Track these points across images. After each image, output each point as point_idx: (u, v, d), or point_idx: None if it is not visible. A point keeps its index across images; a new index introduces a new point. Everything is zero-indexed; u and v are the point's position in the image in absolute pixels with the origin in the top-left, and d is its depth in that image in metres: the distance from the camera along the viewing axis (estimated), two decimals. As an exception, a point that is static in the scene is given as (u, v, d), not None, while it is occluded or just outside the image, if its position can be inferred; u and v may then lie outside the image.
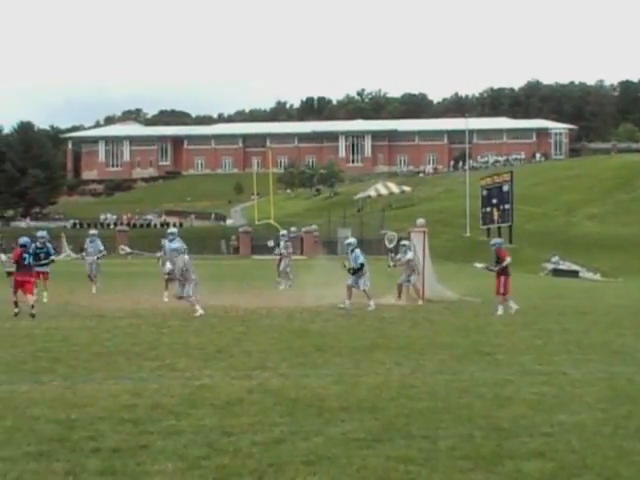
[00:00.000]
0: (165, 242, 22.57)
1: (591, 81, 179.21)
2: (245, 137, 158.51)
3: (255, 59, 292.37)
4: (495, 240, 22.30)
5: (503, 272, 20.78)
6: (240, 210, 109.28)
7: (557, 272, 48.56)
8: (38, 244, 22.28)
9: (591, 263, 53.36)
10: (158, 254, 23.36)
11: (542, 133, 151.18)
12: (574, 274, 48.18)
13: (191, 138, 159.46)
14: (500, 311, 20.08)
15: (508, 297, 20.67)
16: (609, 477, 6.37)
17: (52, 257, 23.05)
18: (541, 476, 6.37)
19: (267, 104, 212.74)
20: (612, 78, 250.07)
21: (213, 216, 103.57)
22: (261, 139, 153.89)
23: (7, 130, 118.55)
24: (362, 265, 21.38)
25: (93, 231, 28.28)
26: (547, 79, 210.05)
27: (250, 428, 7.73)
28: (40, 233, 22.92)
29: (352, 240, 22.67)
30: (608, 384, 10.37)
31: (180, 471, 6.41)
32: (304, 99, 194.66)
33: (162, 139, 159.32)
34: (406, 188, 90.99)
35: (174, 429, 7.68)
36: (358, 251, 21.67)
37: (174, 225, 57.50)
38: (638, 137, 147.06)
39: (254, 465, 6.57)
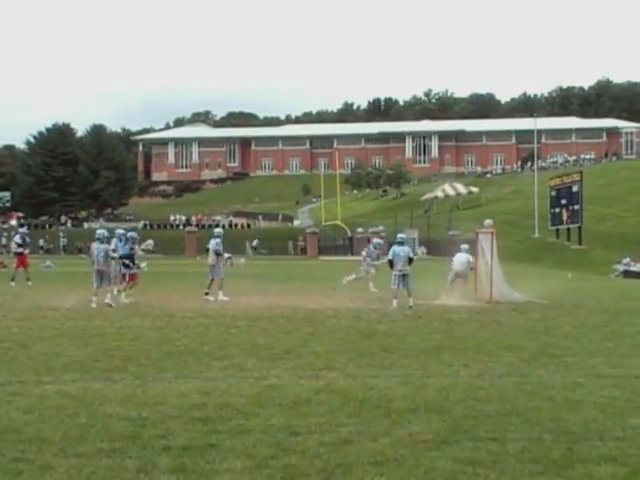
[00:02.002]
0: (212, 242, 23.34)
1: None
2: (312, 138, 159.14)
3: (322, 60, 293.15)
4: None
5: None
6: (307, 211, 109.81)
7: (628, 274, 47.75)
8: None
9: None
10: (226, 255, 23.72)
11: (613, 133, 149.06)
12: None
13: (259, 140, 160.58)
14: None
15: None
16: (682, 482, 6.27)
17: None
18: (612, 480, 6.30)
19: (334, 105, 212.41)
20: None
21: (280, 217, 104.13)
22: (328, 140, 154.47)
23: (81, 133, 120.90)
24: (390, 262, 21.84)
25: (120, 230, 26.92)
26: (618, 78, 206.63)
27: (317, 428, 7.77)
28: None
29: (399, 235, 23.11)
30: (682, 388, 10.19)
31: (248, 470, 6.47)
32: (371, 100, 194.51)
33: (230, 141, 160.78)
34: (473, 189, 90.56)
35: (243, 428, 7.76)
36: (393, 247, 22.06)
37: (217, 225, 57.80)
38: None
39: (322, 465, 6.61)
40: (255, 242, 76.76)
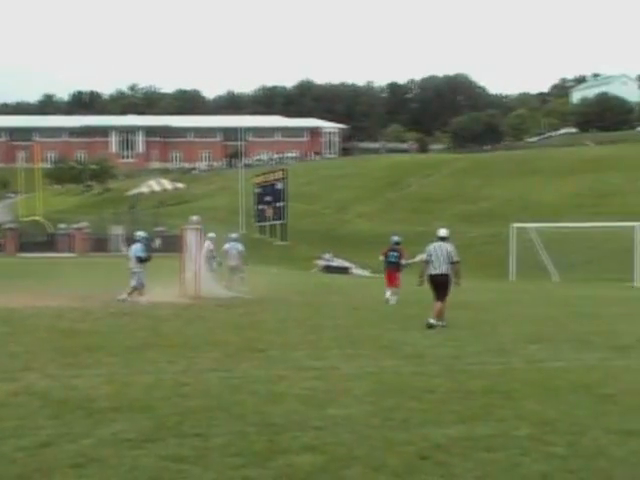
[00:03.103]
0: None
1: (361, 82, 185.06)
2: (10, 130, 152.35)
3: (21, 50, 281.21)
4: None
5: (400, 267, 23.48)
6: (5, 206, 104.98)
7: (329, 269, 49.65)
8: None
9: (362, 260, 54.97)
10: None
11: (315, 132, 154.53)
12: (345, 270, 49.44)
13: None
14: (393, 301, 22.71)
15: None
16: (376, 467, 6.54)
17: None
18: (312, 469, 6.46)
19: (33, 97, 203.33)
20: (381, 80, 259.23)
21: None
22: (28, 133, 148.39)
23: None
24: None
25: None
26: (319, 79, 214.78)
27: (14, 432, 7.40)
28: None
29: (136, 233, 23.24)
30: (377, 377, 10.68)
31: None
32: (73, 93, 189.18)
33: None
34: (180, 185, 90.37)
35: None
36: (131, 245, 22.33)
37: None
38: (405, 137, 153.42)
39: (18, 470, 6.29)
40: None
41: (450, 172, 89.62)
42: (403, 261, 23.52)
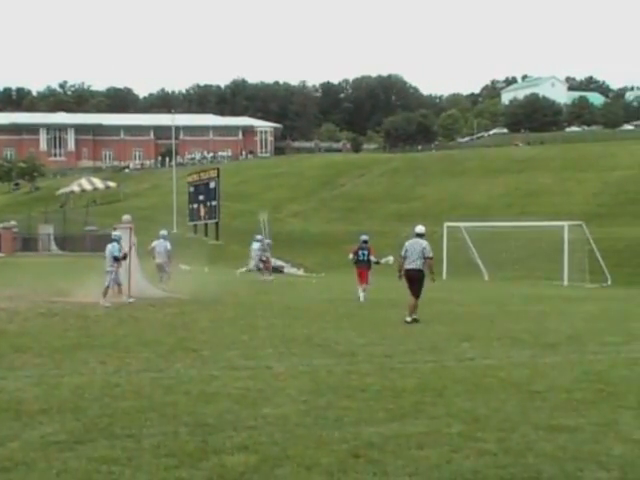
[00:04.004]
0: None
1: (294, 81, 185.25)
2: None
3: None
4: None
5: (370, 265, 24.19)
6: None
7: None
8: None
9: (295, 259, 54.99)
10: None
11: (248, 131, 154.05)
12: (279, 270, 49.35)
13: None
14: (362, 298, 23.35)
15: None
16: (309, 466, 6.53)
17: None
18: (244, 469, 6.43)
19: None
20: (314, 79, 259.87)
21: None
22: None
23: None
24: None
25: None
26: (252, 78, 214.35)
27: (-61, 438, 7.24)
28: None
29: (113, 233, 22.82)
30: (310, 376, 10.69)
31: None
32: (1, 89, 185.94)
33: None
34: (111, 184, 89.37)
35: None
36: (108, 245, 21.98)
37: None
38: (339, 137, 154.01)
39: (-57, 478, 6.16)
40: None
41: (383, 172, 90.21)
42: (373, 258, 24.02)
